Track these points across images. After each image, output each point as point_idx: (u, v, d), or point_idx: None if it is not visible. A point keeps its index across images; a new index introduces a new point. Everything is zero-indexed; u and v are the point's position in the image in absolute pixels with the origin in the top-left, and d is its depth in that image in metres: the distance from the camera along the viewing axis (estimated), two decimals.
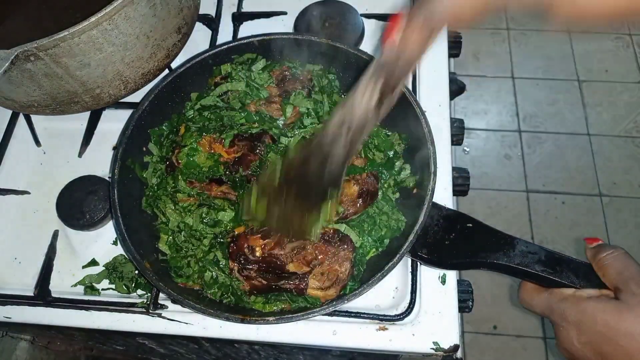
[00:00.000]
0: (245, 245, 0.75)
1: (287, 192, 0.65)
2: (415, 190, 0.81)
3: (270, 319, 0.70)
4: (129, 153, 0.83)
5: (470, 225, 0.74)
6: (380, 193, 0.82)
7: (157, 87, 0.86)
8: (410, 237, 0.72)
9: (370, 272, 0.77)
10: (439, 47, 1.02)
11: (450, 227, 0.75)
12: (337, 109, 0.60)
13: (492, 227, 0.73)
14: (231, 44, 0.91)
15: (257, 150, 0.82)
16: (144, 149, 0.87)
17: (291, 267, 0.74)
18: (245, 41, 0.91)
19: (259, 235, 0.75)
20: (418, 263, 0.82)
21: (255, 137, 0.83)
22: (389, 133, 0.87)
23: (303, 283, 0.73)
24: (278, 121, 0.88)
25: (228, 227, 0.79)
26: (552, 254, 0.68)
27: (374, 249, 0.80)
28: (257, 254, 0.74)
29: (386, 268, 0.70)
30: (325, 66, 0.93)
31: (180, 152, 0.83)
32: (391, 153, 0.85)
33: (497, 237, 0.72)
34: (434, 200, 0.76)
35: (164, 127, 0.89)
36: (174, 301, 0.80)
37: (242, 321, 0.70)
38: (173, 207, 0.81)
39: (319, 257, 0.74)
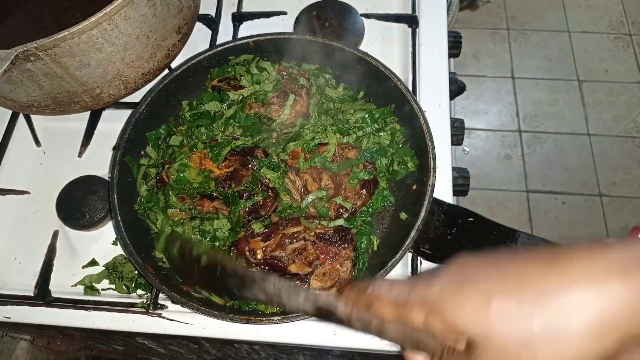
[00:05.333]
0: (247, 249, 0.75)
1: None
2: (415, 187, 0.81)
3: (275, 318, 0.70)
4: (128, 156, 0.83)
5: (472, 219, 0.74)
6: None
7: (154, 90, 0.86)
8: (412, 233, 0.72)
9: (372, 270, 0.77)
10: (439, 47, 1.02)
11: (451, 221, 0.75)
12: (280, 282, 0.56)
13: (494, 221, 0.73)
14: (226, 46, 0.91)
15: (250, 165, 0.81)
16: (142, 152, 0.87)
17: (293, 269, 0.74)
18: (240, 42, 0.91)
19: (260, 238, 0.75)
20: (418, 263, 0.82)
21: (247, 152, 0.83)
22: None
23: (305, 284, 0.73)
24: (276, 121, 0.88)
25: (227, 243, 0.79)
26: (554, 245, 0.68)
27: (378, 239, 0.81)
28: (259, 256, 0.74)
29: (389, 264, 0.70)
30: (322, 65, 0.93)
31: (171, 168, 0.82)
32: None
33: (499, 230, 0.72)
34: (434, 196, 0.76)
35: (161, 131, 0.89)
36: (174, 302, 0.80)
37: (247, 322, 0.70)
38: (163, 219, 0.81)
39: (320, 257, 0.74)
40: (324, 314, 0.50)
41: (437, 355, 0.39)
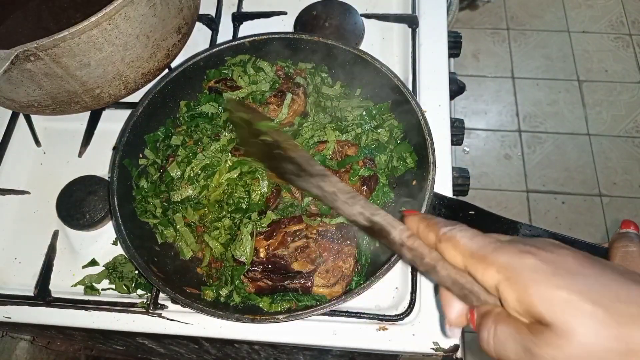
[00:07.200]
0: None
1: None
2: (414, 182, 0.81)
3: (281, 317, 0.70)
4: (127, 159, 0.83)
5: (473, 212, 0.74)
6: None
7: (151, 93, 0.86)
8: None
9: (374, 267, 0.77)
10: (439, 47, 1.02)
11: (453, 215, 0.75)
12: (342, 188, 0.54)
13: (495, 213, 0.73)
14: (222, 47, 0.91)
15: None
16: (141, 155, 0.87)
17: (296, 266, 0.74)
18: (236, 43, 0.91)
19: (262, 237, 0.76)
20: None
21: None
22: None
23: (309, 282, 0.73)
24: (274, 121, 0.88)
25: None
26: (555, 235, 0.68)
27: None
28: (262, 255, 0.74)
29: (392, 260, 0.70)
30: (318, 64, 0.93)
31: (175, 161, 0.83)
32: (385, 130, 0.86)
33: (501, 222, 0.72)
34: (435, 191, 0.76)
35: (159, 133, 0.89)
36: (173, 301, 0.80)
37: (253, 321, 0.70)
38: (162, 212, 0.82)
39: (323, 255, 0.74)
40: (376, 232, 0.49)
41: (483, 309, 0.39)
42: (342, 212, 0.52)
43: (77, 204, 0.88)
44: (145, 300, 0.82)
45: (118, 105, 0.96)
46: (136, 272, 0.84)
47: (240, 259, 0.74)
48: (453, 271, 0.42)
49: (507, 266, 0.37)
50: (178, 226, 0.80)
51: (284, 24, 1.11)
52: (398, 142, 0.86)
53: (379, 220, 0.48)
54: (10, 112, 1.01)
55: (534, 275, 0.35)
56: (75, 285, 0.86)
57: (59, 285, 0.86)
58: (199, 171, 0.82)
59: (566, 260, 0.36)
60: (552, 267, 0.36)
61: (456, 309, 0.43)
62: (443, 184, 0.87)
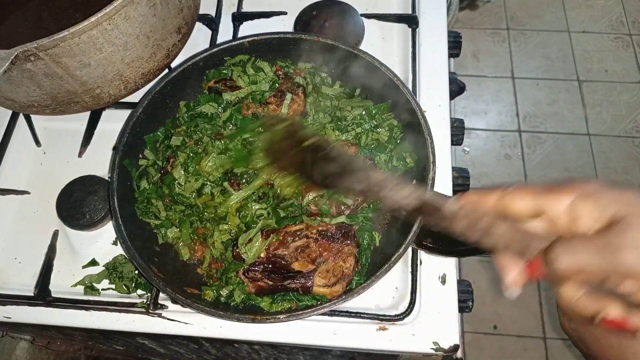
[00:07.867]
0: None
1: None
2: (414, 182, 0.81)
3: (281, 317, 0.70)
4: (127, 159, 0.84)
5: None
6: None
7: (150, 93, 0.86)
8: (414, 227, 0.72)
9: (374, 267, 0.77)
10: (439, 47, 1.02)
11: None
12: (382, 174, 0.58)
13: None
14: (222, 47, 0.91)
15: None
16: (140, 155, 0.87)
17: (296, 266, 0.74)
18: (235, 43, 0.91)
19: (263, 237, 0.76)
20: (418, 263, 0.82)
21: None
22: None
23: (309, 281, 0.73)
24: None
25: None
26: None
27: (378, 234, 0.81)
28: (262, 255, 0.74)
29: (392, 259, 0.70)
30: (318, 63, 0.93)
31: (176, 161, 0.83)
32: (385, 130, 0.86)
33: None
34: (435, 190, 0.76)
35: (159, 133, 0.89)
36: (173, 301, 0.80)
37: (253, 321, 0.70)
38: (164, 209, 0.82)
39: (323, 255, 0.74)
40: (427, 210, 0.52)
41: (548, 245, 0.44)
42: (389, 198, 0.55)
43: (77, 204, 0.88)
44: (145, 300, 0.82)
45: (118, 105, 0.96)
46: (136, 272, 0.84)
47: (242, 255, 0.74)
48: (509, 227, 0.46)
49: (580, 187, 0.45)
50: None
51: (284, 24, 1.11)
52: (398, 141, 0.86)
53: (429, 198, 0.51)
54: (10, 112, 1.01)
55: (602, 188, 0.44)
56: (75, 285, 0.86)
57: (59, 285, 0.86)
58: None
59: (619, 184, 0.46)
60: (611, 184, 0.44)
61: (513, 269, 0.47)
62: (443, 184, 0.87)
